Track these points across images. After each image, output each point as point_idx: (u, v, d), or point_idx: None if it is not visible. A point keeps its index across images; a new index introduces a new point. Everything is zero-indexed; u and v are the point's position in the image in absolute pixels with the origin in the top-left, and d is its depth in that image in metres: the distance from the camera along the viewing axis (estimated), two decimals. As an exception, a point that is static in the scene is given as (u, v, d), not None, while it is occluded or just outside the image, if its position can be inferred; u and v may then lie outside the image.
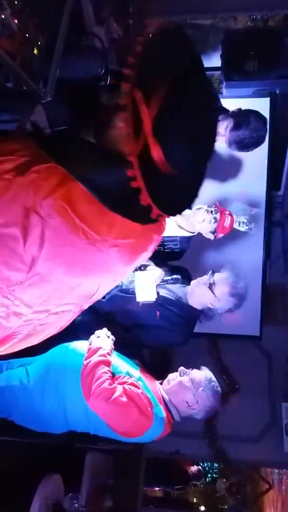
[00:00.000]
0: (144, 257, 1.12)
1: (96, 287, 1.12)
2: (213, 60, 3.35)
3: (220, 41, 2.75)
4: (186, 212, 2.03)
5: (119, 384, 1.75)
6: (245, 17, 3.51)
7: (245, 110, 2.16)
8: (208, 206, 1.97)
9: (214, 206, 1.97)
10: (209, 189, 2.82)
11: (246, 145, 2.15)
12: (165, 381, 1.92)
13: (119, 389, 1.71)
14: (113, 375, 1.79)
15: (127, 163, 0.89)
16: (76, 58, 2.09)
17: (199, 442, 3.11)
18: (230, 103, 2.59)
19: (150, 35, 0.88)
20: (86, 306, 1.21)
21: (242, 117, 2.06)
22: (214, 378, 1.91)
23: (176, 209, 0.98)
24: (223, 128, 2.06)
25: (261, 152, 2.79)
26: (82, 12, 2.44)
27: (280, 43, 2.63)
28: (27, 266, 1.01)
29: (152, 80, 0.86)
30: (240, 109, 2.11)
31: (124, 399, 1.68)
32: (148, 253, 1.12)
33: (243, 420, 3.07)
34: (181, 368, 1.92)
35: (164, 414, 1.80)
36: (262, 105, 2.74)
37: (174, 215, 0.99)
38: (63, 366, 1.85)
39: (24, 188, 0.98)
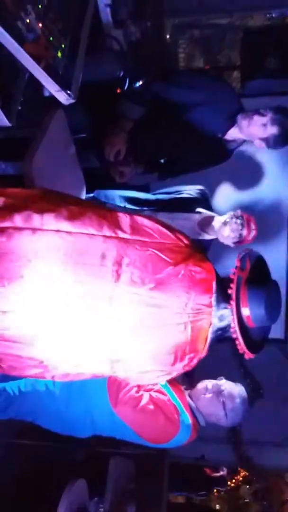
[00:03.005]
0: None
1: None
2: (231, 59, 3.34)
3: (240, 39, 2.72)
4: (211, 219, 2.00)
5: (145, 391, 1.74)
6: (262, 16, 3.49)
7: (276, 106, 2.09)
8: (234, 220, 1.90)
9: (240, 218, 1.90)
10: (235, 195, 2.80)
11: None
12: (194, 390, 1.88)
13: (145, 396, 1.70)
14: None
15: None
16: (95, 61, 2.10)
17: (223, 447, 3.06)
18: (250, 101, 2.56)
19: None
20: None
21: (277, 112, 1.99)
22: (246, 396, 1.87)
23: (255, 352, 1.34)
24: (260, 129, 1.98)
25: (285, 153, 2.76)
26: (100, 15, 2.45)
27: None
28: None
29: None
30: (271, 107, 2.04)
31: (151, 406, 1.68)
32: None
33: (267, 425, 3.01)
34: (214, 382, 1.88)
35: (190, 420, 1.78)
36: (282, 103, 2.71)
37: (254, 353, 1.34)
38: None
39: None
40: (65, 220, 1.23)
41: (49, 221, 1.22)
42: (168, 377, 1.38)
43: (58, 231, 1.22)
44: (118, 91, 2.29)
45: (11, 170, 2.01)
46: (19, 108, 1.45)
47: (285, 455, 3.08)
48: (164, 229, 1.32)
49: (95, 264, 1.21)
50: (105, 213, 1.31)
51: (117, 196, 2.05)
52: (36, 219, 1.22)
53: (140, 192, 2.11)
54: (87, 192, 2.10)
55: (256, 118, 1.97)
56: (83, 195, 2.09)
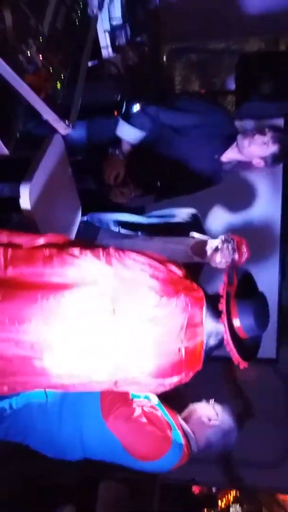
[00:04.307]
0: None
1: None
2: (227, 83, 3.41)
3: (235, 65, 2.78)
4: (204, 243, 2.03)
5: (138, 406, 1.73)
6: (258, 40, 3.59)
7: (273, 125, 2.15)
8: (226, 245, 1.93)
9: (232, 243, 1.93)
10: (226, 215, 2.83)
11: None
12: (187, 413, 1.89)
13: (138, 410, 1.70)
14: (132, 398, 1.77)
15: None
16: (93, 85, 2.14)
17: (213, 467, 3.03)
18: (245, 124, 2.62)
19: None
20: None
21: (276, 130, 2.05)
22: (236, 420, 1.91)
23: (249, 360, 1.44)
24: (261, 147, 2.03)
25: (275, 174, 2.80)
26: (99, 40, 2.51)
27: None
28: None
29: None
30: (269, 126, 2.10)
31: (144, 419, 1.68)
32: None
33: (259, 446, 2.99)
34: (206, 407, 1.89)
35: (183, 440, 1.77)
36: (276, 125, 2.77)
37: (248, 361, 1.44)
38: None
39: None
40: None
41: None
42: (164, 389, 1.47)
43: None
44: (116, 113, 2.34)
45: (7, 191, 2.03)
46: (18, 136, 1.48)
47: (277, 476, 3.05)
48: (154, 262, 1.39)
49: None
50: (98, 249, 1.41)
51: (110, 220, 2.08)
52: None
53: (133, 216, 2.14)
54: (82, 215, 2.12)
55: (257, 137, 2.02)
56: (78, 218, 2.12)
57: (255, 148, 2.04)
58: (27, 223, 1.67)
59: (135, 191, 2.16)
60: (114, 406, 1.69)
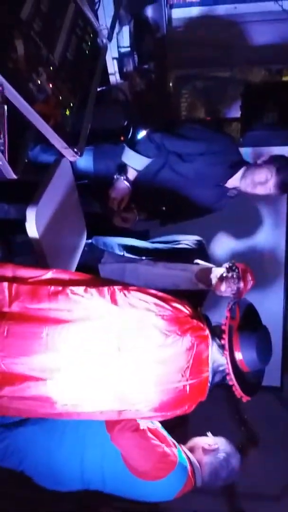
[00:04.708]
0: None
1: None
2: (232, 110, 3.47)
3: (240, 93, 2.83)
4: (208, 271, 2.02)
5: (143, 423, 1.71)
6: (262, 70, 3.67)
7: (278, 155, 2.14)
8: (231, 274, 1.90)
9: (236, 272, 1.91)
10: (231, 242, 2.84)
11: None
12: (189, 446, 1.86)
13: (143, 425, 1.69)
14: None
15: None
16: (101, 110, 2.18)
17: (216, 499, 2.94)
18: (249, 152, 2.65)
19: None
20: None
21: (281, 161, 2.05)
22: (239, 454, 1.88)
23: (252, 394, 1.45)
24: (262, 179, 2.01)
25: (280, 199, 2.82)
26: (107, 67, 2.57)
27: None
28: None
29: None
30: (273, 156, 2.09)
31: (149, 434, 1.67)
32: None
33: (264, 476, 2.91)
34: (209, 441, 1.86)
35: (188, 465, 1.74)
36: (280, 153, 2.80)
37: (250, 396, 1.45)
38: None
39: None
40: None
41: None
42: (166, 418, 1.50)
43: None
44: (122, 138, 2.37)
45: (13, 212, 2.05)
46: (26, 161, 1.50)
47: (281, 508, 2.96)
48: (160, 301, 1.40)
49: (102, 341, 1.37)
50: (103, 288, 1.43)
51: (115, 244, 2.08)
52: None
53: (138, 241, 2.14)
54: (86, 238, 2.13)
55: (262, 171, 2.01)
56: (83, 241, 2.12)
57: (259, 189, 2.04)
58: (32, 245, 1.67)
59: (139, 215, 2.17)
60: (120, 420, 1.65)
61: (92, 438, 1.73)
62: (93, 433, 1.73)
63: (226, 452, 1.80)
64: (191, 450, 1.82)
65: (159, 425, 1.79)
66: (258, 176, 2.01)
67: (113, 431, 1.66)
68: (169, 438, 1.76)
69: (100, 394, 1.41)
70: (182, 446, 1.82)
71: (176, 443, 1.78)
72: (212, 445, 1.81)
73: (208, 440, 1.83)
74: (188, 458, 1.77)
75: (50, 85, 1.41)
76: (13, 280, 1.43)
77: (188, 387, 1.38)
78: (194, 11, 3.30)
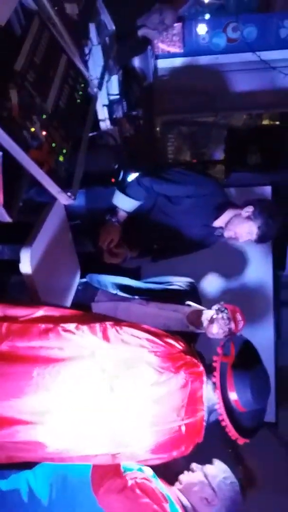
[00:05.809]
0: None
1: None
2: (216, 153, 3.63)
3: (223, 138, 2.98)
4: (199, 313, 2.03)
5: (131, 479, 1.64)
6: (243, 115, 3.89)
7: (261, 201, 2.14)
8: (221, 316, 1.92)
9: (226, 313, 1.92)
10: (220, 278, 2.89)
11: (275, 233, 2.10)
12: (177, 482, 1.80)
13: (130, 482, 1.60)
14: (125, 471, 1.69)
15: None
16: (92, 155, 2.27)
17: None
18: (233, 191, 2.77)
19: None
20: None
21: (263, 211, 2.05)
22: (228, 469, 1.79)
23: (249, 436, 1.40)
24: (245, 232, 2.06)
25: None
26: (98, 114, 2.69)
27: (279, 139, 2.86)
28: None
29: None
30: (260, 210, 2.06)
31: (137, 491, 1.57)
32: None
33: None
34: (194, 464, 1.81)
35: None
36: (262, 193, 2.93)
37: (248, 438, 1.40)
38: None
39: None
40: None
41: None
42: (163, 462, 1.46)
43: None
44: (113, 180, 2.46)
45: (7, 253, 2.07)
46: (21, 204, 1.55)
47: None
48: (152, 337, 1.37)
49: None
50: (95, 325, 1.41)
51: (109, 282, 2.11)
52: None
53: (132, 280, 2.17)
54: (80, 277, 2.16)
55: (244, 225, 2.06)
56: (77, 280, 2.15)
57: (242, 238, 2.09)
58: (25, 285, 1.69)
59: (131, 253, 2.22)
60: (105, 478, 1.59)
61: (82, 498, 1.65)
62: (83, 493, 1.65)
63: (215, 475, 1.71)
64: (185, 491, 1.76)
65: (151, 473, 1.73)
66: (240, 229, 2.08)
67: (98, 492, 1.59)
68: (159, 491, 1.65)
69: (93, 437, 1.36)
70: (175, 489, 1.76)
71: (168, 496, 1.66)
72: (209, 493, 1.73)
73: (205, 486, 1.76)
74: (182, 505, 1.70)
75: (44, 133, 1.48)
76: (3, 319, 1.41)
77: (184, 427, 1.34)
78: (178, 61, 3.52)
